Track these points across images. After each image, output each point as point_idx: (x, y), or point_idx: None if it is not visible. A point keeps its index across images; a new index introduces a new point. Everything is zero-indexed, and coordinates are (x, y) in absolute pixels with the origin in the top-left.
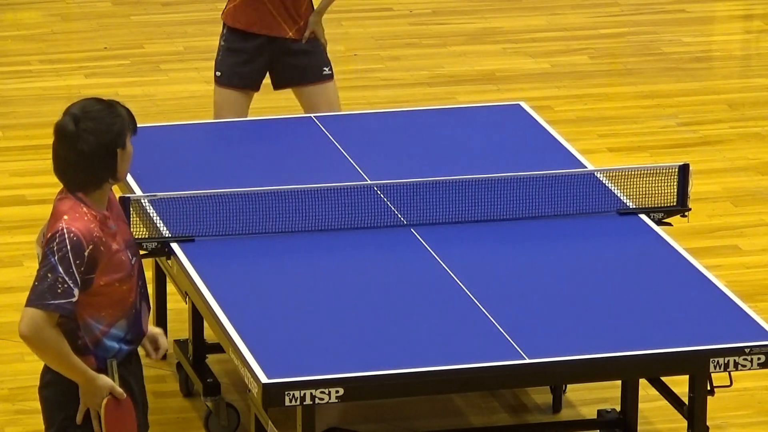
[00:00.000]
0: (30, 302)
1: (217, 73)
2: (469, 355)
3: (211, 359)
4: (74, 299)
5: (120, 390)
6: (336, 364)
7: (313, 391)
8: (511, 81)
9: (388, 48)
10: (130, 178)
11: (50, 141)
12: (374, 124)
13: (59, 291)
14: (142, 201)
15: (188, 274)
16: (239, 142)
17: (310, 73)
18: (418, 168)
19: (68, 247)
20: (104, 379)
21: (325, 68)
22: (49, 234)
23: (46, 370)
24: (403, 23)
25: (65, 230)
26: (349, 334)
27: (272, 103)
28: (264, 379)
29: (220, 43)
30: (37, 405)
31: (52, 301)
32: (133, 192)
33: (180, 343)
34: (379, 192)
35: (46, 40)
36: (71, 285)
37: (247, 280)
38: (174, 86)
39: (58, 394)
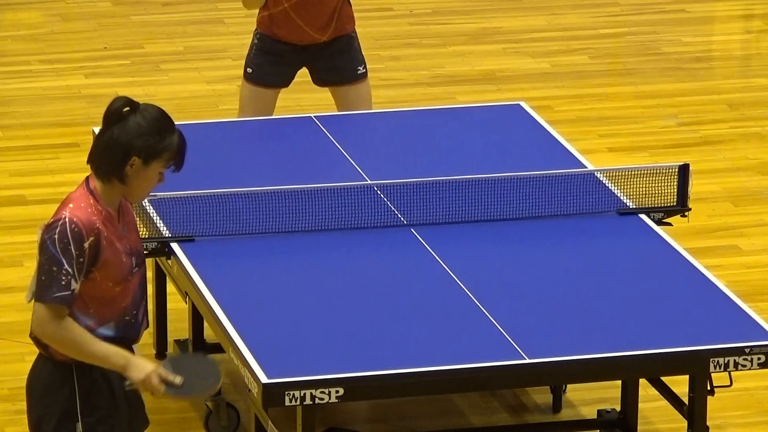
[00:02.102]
0: (39, 298)
1: (248, 69)
2: (469, 355)
3: None
4: (75, 290)
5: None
6: (336, 364)
7: (313, 391)
8: (511, 81)
9: (388, 48)
10: None
11: (50, 141)
12: (374, 124)
13: (63, 283)
14: (143, 201)
15: (188, 274)
16: (239, 142)
17: (345, 74)
18: (418, 168)
19: (69, 237)
20: (140, 360)
21: (359, 68)
22: (51, 220)
23: (32, 370)
24: (403, 23)
25: (67, 220)
26: (349, 334)
27: None
28: (264, 379)
29: (253, 40)
30: None
31: (55, 294)
32: None
33: (180, 343)
34: (379, 192)
35: (46, 40)
36: (72, 276)
37: (247, 280)
38: (174, 86)
39: (38, 394)
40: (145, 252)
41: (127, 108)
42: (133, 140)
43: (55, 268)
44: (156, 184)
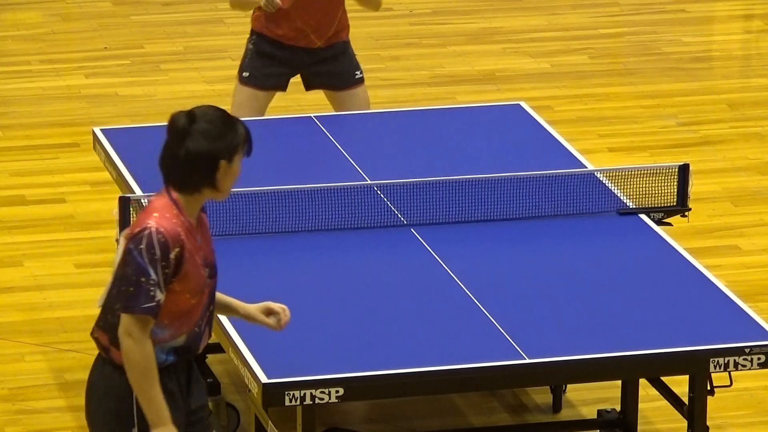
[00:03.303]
0: (126, 309)
1: (243, 73)
2: (469, 355)
3: (211, 359)
4: (161, 301)
5: None
6: (336, 364)
7: (313, 391)
8: (511, 81)
9: (388, 48)
10: (130, 178)
11: (50, 141)
12: (374, 124)
13: (150, 293)
14: (142, 201)
15: None
16: None
17: (343, 79)
18: (418, 168)
19: (155, 248)
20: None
21: (356, 72)
22: (137, 230)
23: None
24: (403, 23)
25: (154, 230)
26: (349, 334)
27: (272, 102)
28: (264, 379)
29: (248, 45)
30: (37, 405)
31: (144, 305)
32: (133, 192)
33: None
34: (379, 192)
35: (46, 40)
36: (158, 287)
37: (247, 280)
38: (174, 86)
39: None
40: None
41: (188, 120)
42: (213, 146)
43: (143, 279)
44: (239, 175)
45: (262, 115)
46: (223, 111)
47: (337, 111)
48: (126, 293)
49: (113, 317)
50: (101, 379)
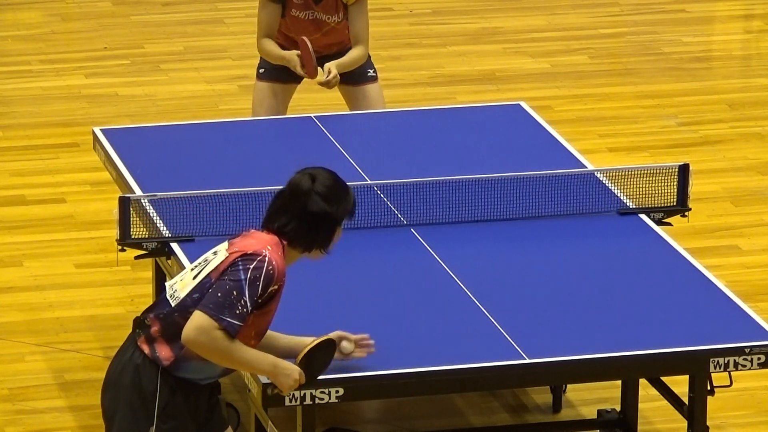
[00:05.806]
0: (207, 309)
1: (260, 70)
2: (469, 355)
3: None
4: (243, 324)
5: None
6: (336, 364)
7: (313, 391)
8: (511, 81)
9: (388, 48)
10: (130, 178)
11: (50, 141)
12: (374, 124)
13: (237, 312)
14: (142, 201)
15: None
16: (239, 142)
17: (356, 75)
18: (418, 168)
19: (262, 275)
20: (290, 367)
21: (369, 70)
22: (251, 251)
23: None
24: (403, 23)
25: (267, 259)
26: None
27: None
28: (264, 379)
29: None
30: (37, 405)
31: (227, 319)
32: (133, 192)
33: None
34: (379, 192)
35: (46, 40)
36: (247, 311)
37: None
38: (174, 86)
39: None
40: (145, 252)
41: (311, 179)
42: (336, 210)
43: (235, 293)
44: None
45: (284, 112)
46: (335, 174)
47: (351, 107)
48: (217, 300)
49: (182, 318)
50: (129, 369)
